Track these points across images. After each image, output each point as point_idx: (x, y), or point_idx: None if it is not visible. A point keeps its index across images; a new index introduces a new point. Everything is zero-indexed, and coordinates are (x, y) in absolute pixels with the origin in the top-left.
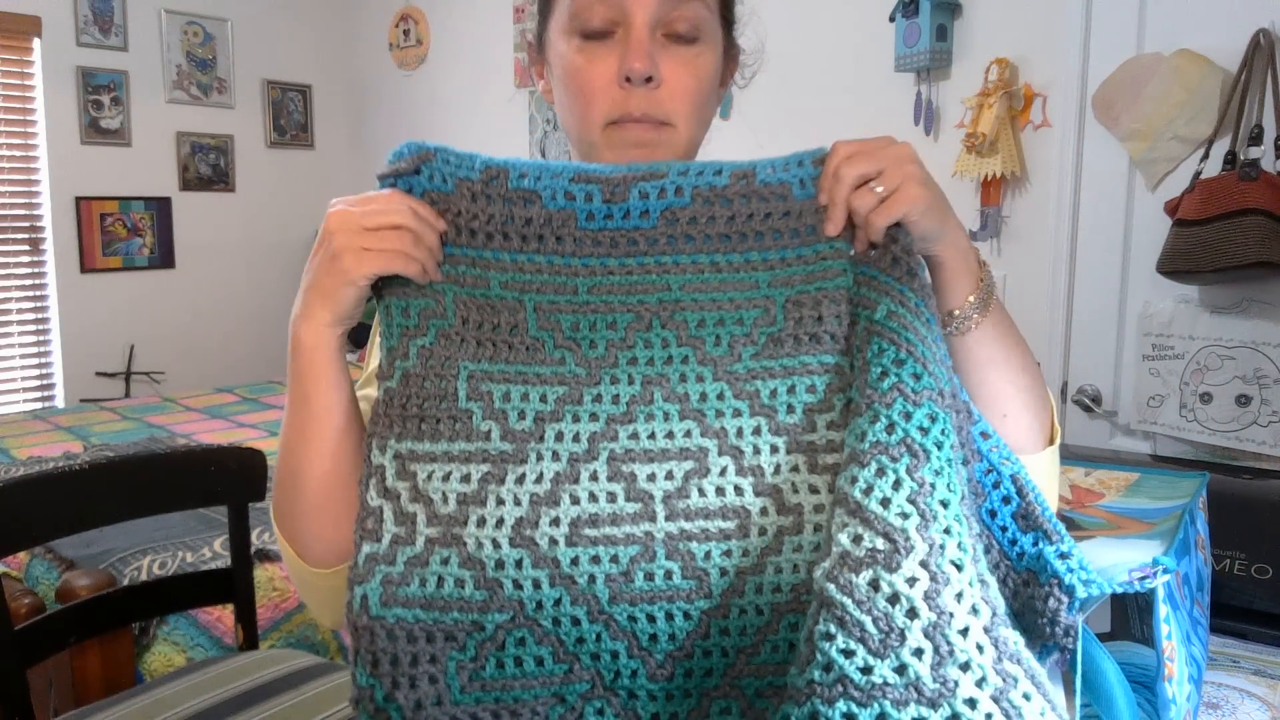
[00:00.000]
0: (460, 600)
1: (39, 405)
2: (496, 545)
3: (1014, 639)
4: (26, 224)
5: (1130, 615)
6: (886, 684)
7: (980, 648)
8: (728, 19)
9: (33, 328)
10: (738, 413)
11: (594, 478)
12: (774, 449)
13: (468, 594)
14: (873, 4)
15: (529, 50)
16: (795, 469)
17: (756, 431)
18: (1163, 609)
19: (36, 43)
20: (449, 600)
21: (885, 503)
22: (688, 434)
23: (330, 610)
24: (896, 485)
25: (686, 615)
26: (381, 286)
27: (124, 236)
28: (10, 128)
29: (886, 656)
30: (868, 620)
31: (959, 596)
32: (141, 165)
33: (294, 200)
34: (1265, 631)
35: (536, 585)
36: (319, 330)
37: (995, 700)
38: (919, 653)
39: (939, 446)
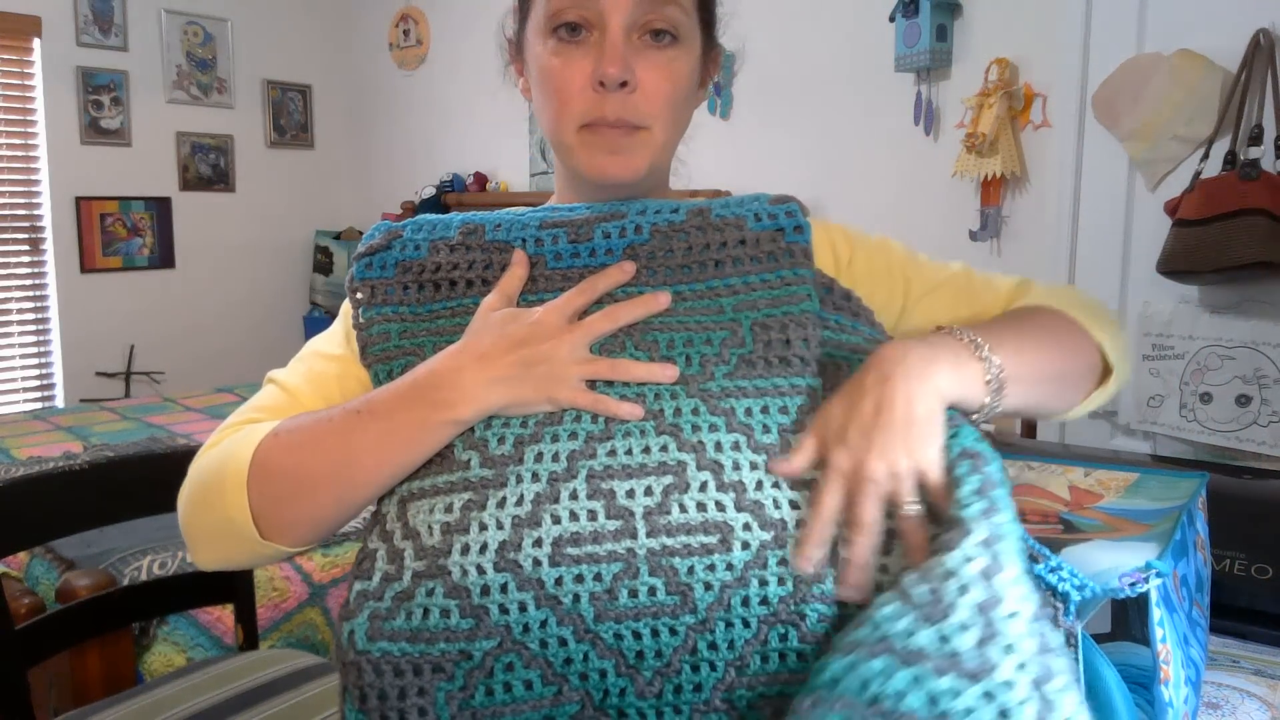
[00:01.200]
0: (446, 630)
1: (39, 405)
2: (481, 571)
3: (1055, 639)
4: (26, 224)
5: (1130, 616)
6: (928, 651)
7: (1024, 636)
8: (706, 20)
9: (33, 328)
10: (714, 427)
11: (574, 496)
12: (754, 465)
13: (454, 623)
14: (873, 4)
15: (509, 48)
16: (776, 485)
17: (736, 447)
18: (1156, 612)
19: (36, 43)
20: (435, 631)
21: (956, 501)
22: (664, 449)
23: (221, 556)
24: (960, 483)
25: (672, 631)
26: (366, 348)
27: (124, 236)
28: (10, 128)
29: (934, 625)
30: (923, 589)
31: (1013, 582)
32: (141, 165)
33: (294, 200)
34: (1265, 631)
35: (522, 608)
36: (479, 412)
37: (1034, 686)
38: (964, 627)
39: (991, 459)
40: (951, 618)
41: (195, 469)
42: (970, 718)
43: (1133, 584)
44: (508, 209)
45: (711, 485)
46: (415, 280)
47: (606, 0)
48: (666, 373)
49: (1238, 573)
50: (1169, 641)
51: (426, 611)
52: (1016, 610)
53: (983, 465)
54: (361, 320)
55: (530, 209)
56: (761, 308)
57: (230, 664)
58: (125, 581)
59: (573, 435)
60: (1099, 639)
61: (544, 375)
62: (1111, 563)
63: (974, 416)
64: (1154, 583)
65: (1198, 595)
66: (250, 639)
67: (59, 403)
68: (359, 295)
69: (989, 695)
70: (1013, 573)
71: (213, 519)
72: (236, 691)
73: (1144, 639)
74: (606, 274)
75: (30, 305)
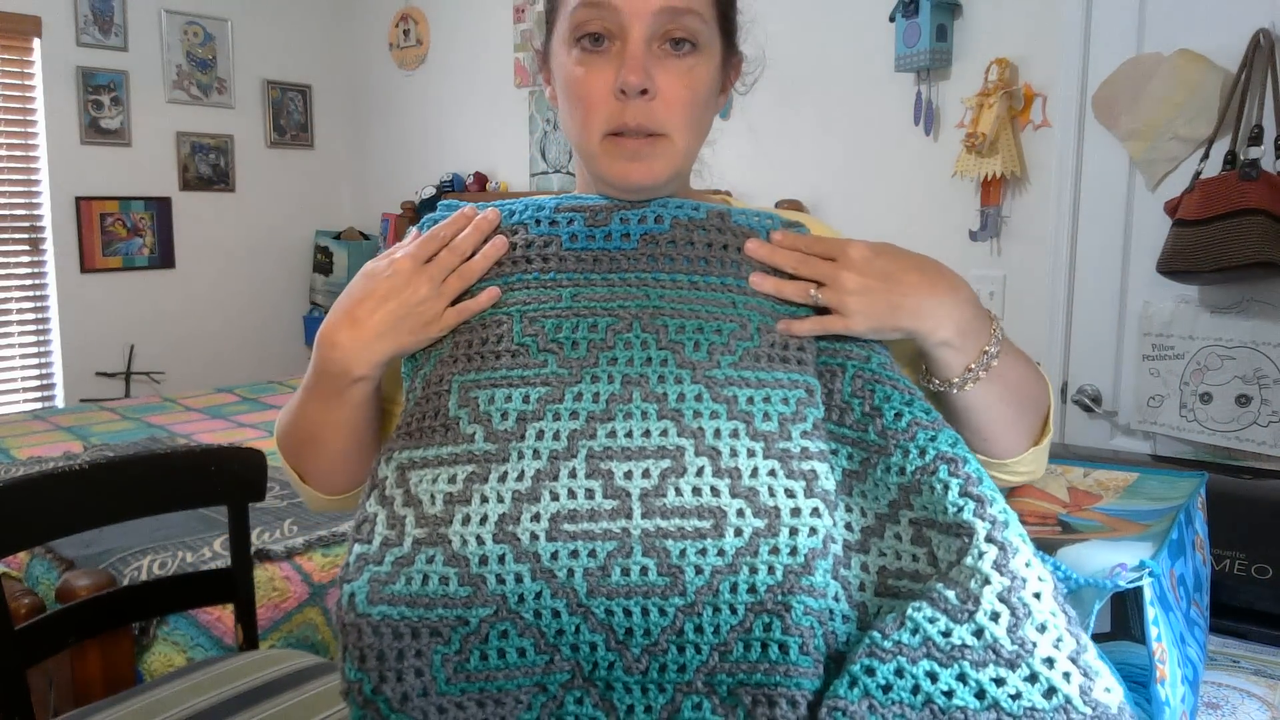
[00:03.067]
0: (444, 597)
1: (39, 405)
2: (480, 541)
3: (1074, 614)
4: (26, 224)
5: (1129, 616)
6: (966, 646)
7: (1054, 612)
8: (726, 29)
9: (33, 328)
10: (715, 414)
11: (573, 475)
12: (751, 453)
13: (452, 590)
14: (873, 4)
15: (537, 58)
16: (773, 473)
17: (735, 434)
18: (1151, 611)
19: (36, 43)
20: (433, 597)
21: (944, 508)
22: (664, 433)
23: (310, 500)
24: (946, 489)
25: (661, 611)
26: None
27: (124, 236)
28: (10, 128)
29: (965, 622)
30: (950, 593)
31: (1028, 564)
32: (141, 165)
33: (294, 200)
34: (1265, 631)
35: (518, 579)
36: (374, 368)
37: (1073, 660)
38: (995, 616)
39: (968, 459)
40: (981, 609)
41: None
42: (1019, 703)
43: (1123, 578)
44: (535, 196)
45: (708, 470)
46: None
47: (627, 11)
48: (496, 249)
49: (1238, 573)
50: (1164, 640)
51: (426, 578)
52: (1039, 589)
53: (961, 467)
54: None
55: (555, 196)
56: (767, 312)
57: (230, 664)
58: (125, 581)
59: (574, 415)
60: (1098, 638)
61: (414, 323)
62: (1107, 562)
63: (934, 381)
64: (1146, 581)
65: (1196, 595)
66: (250, 639)
67: (59, 403)
68: None
69: (1033, 677)
70: (1025, 555)
71: (294, 483)
72: (236, 691)
73: (1142, 638)
74: (454, 222)
75: (30, 305)
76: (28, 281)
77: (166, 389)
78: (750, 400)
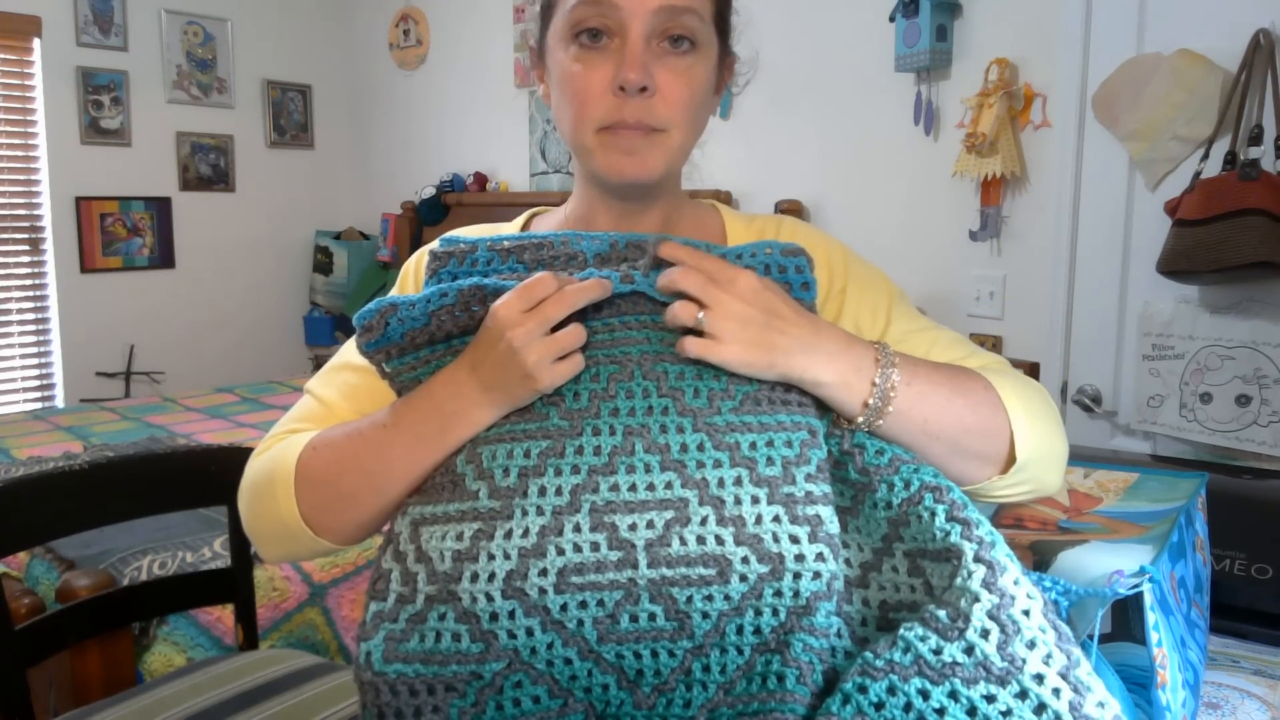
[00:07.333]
0: (458, 653)
1: (39, 405)
2: (490, 599)
3: (1066, 630)
4: (26, 224)
5: (1130, 616)
6: (956, 663)
7: (1043, 629)
8: (722, 29)
9: (33, 328)
10: (718, 463)
11: (577, 529)
12: (755, 499)
13: (465, 647)
14: (873, 4)
15: (530, 54)
16: (776, 519)
17: (738, 482)
18: (1151, 617)
19: (36, 43)
20: (447, 654)
21: (933, 535)
22: (669, 485)
23: (284, 553)
24: (933, 515)
25: (671, 653)
26: (401, 391)
27: (124, 236)
28: (10, 128)
29: (956, 640)
30: (941, 612)
31: (1016, 582)
32: (141, 165)
33: (294, 200)
34: (1265, 631)
35: (530, 633)
36: (482, 421)
37: (1063, 676)
38: (985, 633)
39: (951, 487)
40: (971, 627)
41: (247, 478)
42: (1009, 719)
43: (1121, 584)
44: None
45: (712, 520)
46: (428, 339)
47: (627, 9)
48: (602, 287)
49: (1238, 573)
50: (1165, 645)
51: (439, 635)
52: (1028, 606)
53: (946, 494)
54: (388, 370)
55: (554, 231)
56: None
57: (230, 664)
58: (125, 581)
59: (575, 469)
60: (1100, 640)
61: (520, 380)
62: (1107, 566)
63: (847, 424)
64: (1146, 586)
65: (1196, 596)
66: (250, 639)
67: (59, 403)
68: (379, 363)
69: (1023, 693)
70: (1013, 573)
71: (271, 524)
72: (236, 691)
73: (1143, 640)
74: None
75: (30, 305)
76: (28, 281)
77: (166, 389)
78: (753, 445)
